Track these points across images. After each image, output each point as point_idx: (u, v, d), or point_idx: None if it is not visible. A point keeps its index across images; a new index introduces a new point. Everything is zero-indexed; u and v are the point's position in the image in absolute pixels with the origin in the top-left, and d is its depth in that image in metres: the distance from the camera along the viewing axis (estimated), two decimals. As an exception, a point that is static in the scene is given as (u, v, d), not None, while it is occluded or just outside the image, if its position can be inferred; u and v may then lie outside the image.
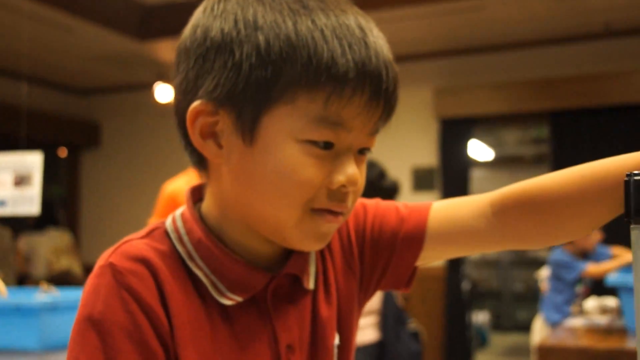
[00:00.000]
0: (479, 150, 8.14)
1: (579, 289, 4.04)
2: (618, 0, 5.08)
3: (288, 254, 0.78)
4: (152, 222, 3.73)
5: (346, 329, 0.82)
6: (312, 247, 0.75)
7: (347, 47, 0.67)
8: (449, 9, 5.19)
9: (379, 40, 0.71)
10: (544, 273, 5.58)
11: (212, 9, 0.72)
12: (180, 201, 3.48)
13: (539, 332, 4.06)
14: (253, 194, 0.71)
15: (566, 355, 2.67)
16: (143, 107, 7.14)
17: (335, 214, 0.72)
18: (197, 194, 0.80)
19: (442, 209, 0.83)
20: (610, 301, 3.85)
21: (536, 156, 8.73)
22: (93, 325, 0.67)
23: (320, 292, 0.80)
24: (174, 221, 0.77)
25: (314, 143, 0.68)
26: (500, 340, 8.46)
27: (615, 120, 5.65)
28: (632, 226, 0.48)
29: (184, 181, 3.51)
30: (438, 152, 6.17)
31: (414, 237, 0.82)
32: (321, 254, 0.82)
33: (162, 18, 5.56)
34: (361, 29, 0.69)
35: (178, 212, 0.78)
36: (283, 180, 0.69)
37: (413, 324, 2.66)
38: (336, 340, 0.81)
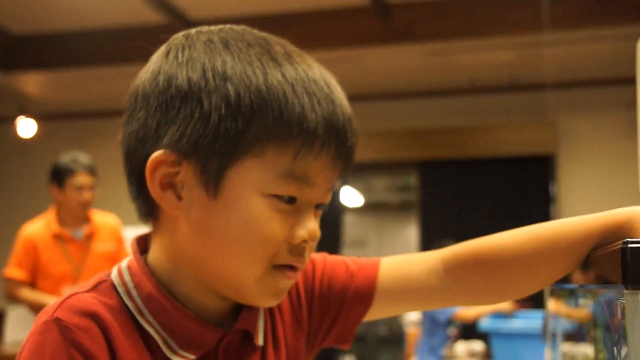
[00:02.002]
0: (350, 196, 8.33)
1: (451, 330, 4.19)
2: (483, 60, 5.44)
3: (237, 310, 0.75)
4: (10, 271, 3.45)
5: None
6: (270, 303, 0.73)
7: (316, 102, 0.67)
8: (326, 58, 5.32)
9: (342, 97, 0.72)
10: (410, 317, 5.75)
11: (176, 56, 0.70)
12: (39, 246, 3.37)
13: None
14: (214, 248, 0.68)
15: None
16: (3, 142, 6.73)
17: (294, 269, 0.71)
18: (142, 244, 0.75)
19: (392, 266, 0.83)
20: (478, 345, 4.04)
21: (402, 203, 9.05)
22: None
23: (269, 347, 0.78)
24: (120, 274, 0.72)
25: (279, 198, 0.67)
26: (365, 384, 8.57)
27: (478, 171, 5.99)
28: (626, 292, 0.50)
29: (42, 224, 3.41)
30: (312, 197, 6.26)
31: (363, 294, 0.82)
32: (270, 310, 0.80)
33: (28, 49, 5.32)
34: (327, 84, 0.70)
35: (124, 263, 0.74)
36: (248, 235, 0.67)
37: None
38: None
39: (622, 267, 0.50)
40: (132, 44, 5.02)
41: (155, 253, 0.73)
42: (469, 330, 4.20)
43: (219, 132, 0.66)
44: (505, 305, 3.83)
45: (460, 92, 5.98)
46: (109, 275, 0.73)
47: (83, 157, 3.41)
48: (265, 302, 0.72)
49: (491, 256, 0.77)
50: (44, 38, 5.24)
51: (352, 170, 0.73)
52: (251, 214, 0.67)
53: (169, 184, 0.69)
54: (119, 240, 3.61)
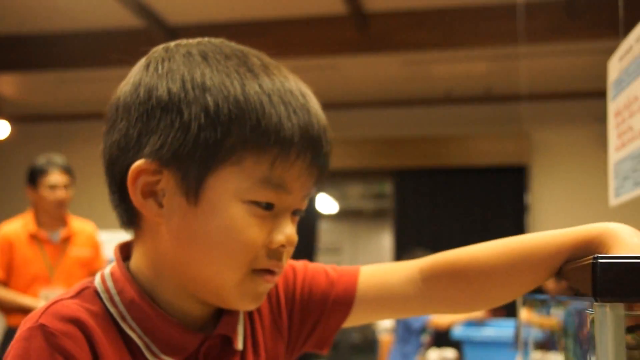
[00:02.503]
0: (325, 203, 8.36)
1: (424, 338, 4.23)
2: (459, 71, 5.51)
3: (218, 315, 0.77)
4: None
5: None
6: (249, 306, 0.75)
7: (292, 112, 0.69)
8: (304, 65, 5.37)
9: (317, 107, 0.74)
10: (383, 324, 5.79)
11: (156, 68, 0.71)
12: (15, 244, 3.37)
13: (387, 383, 4.19)
14: (195, 254, 0.70)
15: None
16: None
17: (273, 273, 0.73)
18: (125, 251, 0.77)
19: (371, 275, 0.85)
20: (450, 353, 4.08)
21: (377, 210, 9.12)
22: None
23: (249, 352, 0.79)
24: (103, 280, 0.74)
25: (257, 204, 0.69)
26: (337, 390, 8.58)
27: (452, 180, 6.05)
28: (595, 304, 0.53)
29: (19, 224, 3.42)
30: (287, 204, 6.28)
31: (343, 301, 0.84)
32: (250, 315, 0.82)
33: (3, 51, 5.28)
34: (303, 95, 0.72)
35: (107, 270, 0.76)
36: (227, 240, 0.69)
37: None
38: None
39: (592, 281, 0.53)
40: (110, 48, 5.00)
41: (137, 260, 0.75)
42: (442, 338, 4.24)
43: (199, 141, 0.67)
44: (478, 314, 3.88)
45: (435, 102, 6.04)
46: (92, 281, 0.74)
47: (57, 158, 3.43)
48: (245, 305, 0.74)
49: (466, 267, 0.79)
50: (19, 39, 5.21)
51: (327, 177, 0.75)
52: (230, 220, 0.69)
53: (150, 192, 0.70)
54: (95, 247, 3.63)
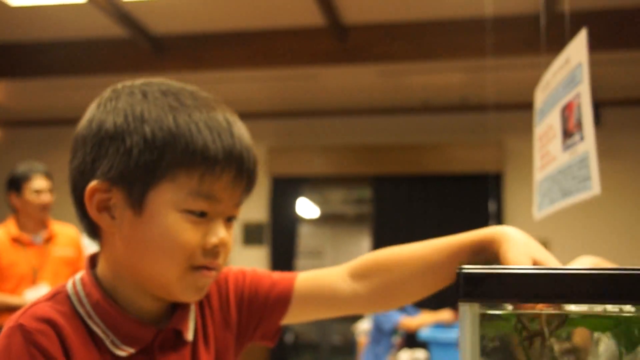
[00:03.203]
0: (306, 207, 8.50)
1: (395, 339, 4.38)
2: (434, 81, 5.68)
3: (172, 311, 0.91)
4: None
5: None
6: (192, 298, 0.88)
7: (216, 136, 0.83)
8: (286, 75, 5.52)
9: (242, 130, 0.87)
10: (362, 326, 5.92)
11: (105, 106, 0.86)
12: (0, 251, 3.49)
13: (359, 382, 4.33)
14: (142, 255, 0.84)
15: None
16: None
17: (209, 269, 0.86)
18: (93, 260, 0.92)
19: (307, 277, 1.01)
20: (420, 353, 4.20)
21: (357, 215, 9.25)
22: None
23: (200, 342, 0.94)
24: (74, 285, 0.88)
25: (191, 212, 0.83)
26: (318, 392, 8.70)
27: (429, 187, 6.21)
28: (459, 303, 0.69)
29: (1, 231, 3.51)
30: (268, 209, 6.41)
31: (282, 299, 0.99)
32: (201, 311, 0.96)
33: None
34: (227, 121, 0.85)
35: (78, 276, 0.90)
36: (167, 242, 0.82)
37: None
38: None
39: (456, 286, 0.69)
40: (96, 56, 5.12)
41: (101, 266, 0.89)
42: (413, 339, 4.38)
43: (139, 163, 0.81)
44: (446, 316, 4.04)
45: (412, 111, 6.19)
46: (64, 286, 0.88)
47: (38, 164, 3.54)
48: (188, 297, 0.87)
49: (388, 265, 0.96)
50: (8, 47, 5.31)
51: (254, 187, 0.89)
52: (168, 226, 0.82)
53: (104, 207, 0.84)
54: (77, 248, 3.72)
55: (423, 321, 4.04)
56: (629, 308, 0.77)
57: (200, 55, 5.13)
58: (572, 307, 0.82)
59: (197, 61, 5.15)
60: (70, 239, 3.71)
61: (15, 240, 3.49)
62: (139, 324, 0.86)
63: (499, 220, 6.01)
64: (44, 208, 3.51)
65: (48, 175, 3.54)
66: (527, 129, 6.19)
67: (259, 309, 1.00)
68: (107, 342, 0.85)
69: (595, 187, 1.13)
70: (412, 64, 5.22)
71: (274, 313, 1.00)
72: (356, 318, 8.44)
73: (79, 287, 0.87)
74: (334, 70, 5.41)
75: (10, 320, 0.83)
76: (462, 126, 6.19)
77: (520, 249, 0.84)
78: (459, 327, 0.70)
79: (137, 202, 0.82)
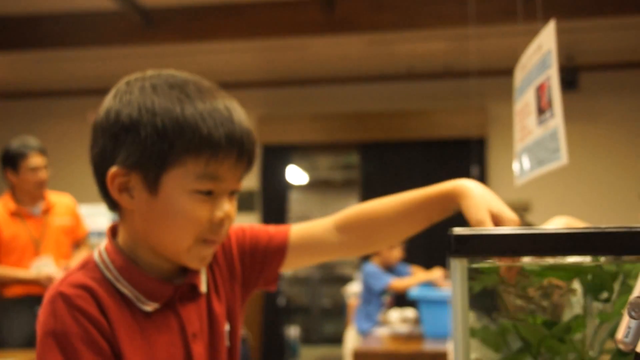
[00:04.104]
0: (295, 174, 8.64)
1: (385, 299, 4.58)
2: (419, 49, 5.81)
3: (185, 269, 1.05)
4: None
5: (233, 318, 1.11)
6: (197, 266, 1.02)
7: (219, 124, 0.95)
8: (274, 45, 5.62)
9: (241, 116, 0.99)
10: (351, 289, 6.13)
11: (121, 99, 0.98)
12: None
13: (352, 340, 4.54)
14: (158, 229, 0.98)
15: (378, 357, 3.14)
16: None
17: (214, 241, 1.00)
18: (114, 231, 1.07)
19: (299, 229, 1.17)
20: (410, 312, 4.40)
21: (345, 180, 9.41)
22: (55, 338, 0.94)
23: (212, 293, 1.08)
24: (100, 254, 1.02)
25: (199, 192, 0.96)
26: (309, 353, 8.91)
27: (414, 152, 6.37)
28: (451, 260, 0.86)
29: (0, 206, 3.60)
30: (259, 176, 6.56)
31: (279, 250, 1.15)
32: (210, 266, 1.10)
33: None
34: (228, 109, 0.97)
35: (102, 246, 1.04)
36: (179, 219, 0.96)
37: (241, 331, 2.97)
38: (227, 327, 1.09)
39: (448, 245, 0.86)
40: (86, 29, 5.18)
41: (122, 236, 1.03)
42: (402, 300, 4.58)
43: (153, 151, 0.94)
44: (436, 275, 4.23)
45: (398, 78, 6.31)
46: (92, 256, 1.02)
47: (32, 140, 3.60)
48: (194, 265, 1.01)
49: (367, 216, 1.14)
50: (-4, 20, 5.36)
51: (254, 164, 1.03)
52: (180, 205, 0.95)
53: (124, 189, 0.97)
54: (75, 216, 3.83)
55: (410, 282, 4.24)
56: (589, 260, 0.95)
57: (190, 27, 5.21)
58: (542, 261, 1.00)
59: (187, 33, 5.24)
60: (68, 208, 3.81)
61: (14, 214, 3.58)
62: (160, 282, 1.01)
63: (483, 183, 6.17)
64: (41, 185, 3.60)
65: (43, 152, 3.61)
66: (508, 95, 6.34)
67: (260, 260, 1.15)
68: (135, 300, 1.00)
69: (563, 158, 1.30)
70: (397, 33, 5.34)
71: (273, 262, 1.16)
72: (345, 281, 8.66)
73: (105, 256, 1.02)
74: (321, 40, 5.52)
75: (50, 290, 0.98)
76: (446, 93, 6.32)
77: (478, 203, 1.02)
78: (451, 280, 0.88)
79: (152, 185, 0.95)
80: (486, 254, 0.88)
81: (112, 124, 0.96)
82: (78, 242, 3.90)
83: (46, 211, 3.70)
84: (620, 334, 0.75)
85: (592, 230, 0.86)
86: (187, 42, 5.31)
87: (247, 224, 1.19)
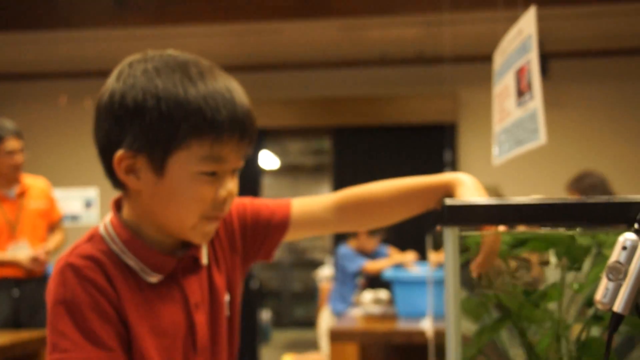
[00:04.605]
0: (267, 159, 8.67)
1: (359, 280, 4.66)
2: (392, 35, 5.86)
3: (186, 243, 1.09)
4: None
5: (233, 289, 1.16)
6: (201, 242, 1.08)
7: (221, 107, 0.97)
8: (247, 29, 5.63)
9: (242, 96, 1.02)
10: (322, 273, 6.21)
11: (125, 81, 0.99)
12: None
13: (326, 321, 4.62)
14: (164, 208, 1.02)
15: (353, 336, 3.21)
16: None
17: (217, 218, 1.05)
18: (118, 204, 1.11)
19: (300, 204, 1.22)
20: (383, 293, 4.48)
21: (317, 165, 9.48)
22: (66, 306, 0.98)
23: (212, 265, 1.13)
24: (105, 227, 1.06)
25: (203, 173, 0.99)
26: (280, 336, 9.00)
27: (386, 137, 6.42)
28: (444, 229, 0.92)
29: None
30: (232, 160, 6.56)
31: (281, 224, 1.20)
32: (211, 240, 1.14)
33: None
34: (229, 90, 1.00)
35: (107, 219, 1.08)
36: (185, 199, 1.00)
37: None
38: (227, 298, 1.14)
39: (441, 215, 0.92)
40: (55, 10, 5.13)
41: (127, 211, 1.07)
42: (375, 281, 4.66)
43: (158, 135, 0.97)
44: (409, 258, 4.32)
45: (371, 64, 6.35)
46: (97, 229, 1.06)
47: (8, 123, 3.61)
48: (197, 240, 1.06)
49: (366, 198, 1.20)
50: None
51: (254, 143, 1.06)
52: (185, 186, 0.99)
53: (130, 170, 1.00)
54: (49, 199, 3.85)
55: (383, 264, 4.32)
56: (563, 230, 1.02)
57: (162, 10, 5.19)
58: (520, 233, 1.06)
59: (160, 16, 5.21)
60: (42, 192, 3.83)
61: None
62: (163, 255, 1.06)
63: (453, 168, 6.28)
64: (17, 168, 3.61)
65: (19, 135, 3.61)
66: (479, 81, 6.45)
67: (261, 234, 1.20)
68: (140, 272, 1.04)
69: (542, 137, 1.37)
70: (370, 19, 5.39)
71: (274, 237, 1.21)
72: (316, 265, 8.74)
73: (110, 229, 1.06)
74: (295, 25, 5.54)
75: (59, 261, 1.02)
76: (418, 78, 6.38)
77: (471, 191, 1.08)
78: (444, 248, 0.94)
79: (158, 167, 0.99)
80: (476, 223, 0.94)
81: (116, 108, 0.98)
82: (52, 226, 3.91)
83: (21, 194, 3.71)
84: (599, 295, 0.81)
85: (575, 202, 0.93)
86: (160, 25, 5.28)
87: (247, 198, 1.23)
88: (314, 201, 1.22)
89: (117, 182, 1.05)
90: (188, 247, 1.09)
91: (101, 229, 1.07)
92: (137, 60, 1.02)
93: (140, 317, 1.02)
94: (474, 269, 1.04)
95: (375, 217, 1.22)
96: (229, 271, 1.17)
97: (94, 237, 1.06)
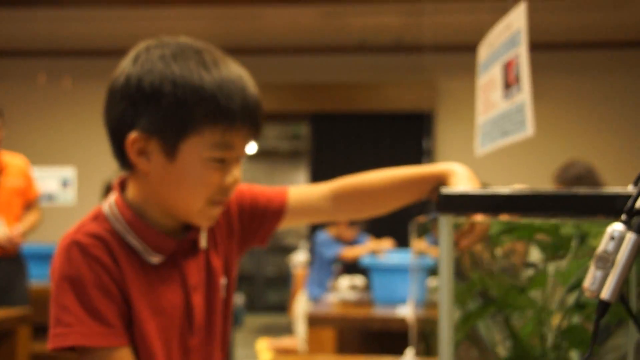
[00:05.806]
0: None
1: (335, 267, 4.70)
2: (372, 23, 5.88)
3: (187, 226, 1.12)
4: None
5: (230, 273, 1.19)
6: (206, 225, 1.11)
7: (235, 95, 1.01)
8: (228, 14, 5.61)
9: (252, 86, 1.05)
10: (297, 259, 6.23)
11: (142, 65, 1.02)
12: None
13: (303, 305, 4.65)
14: (172, 192, 1.05)
15: (331, 321, 3.25)
16: None
17: (222, 202, 1.09)
18: (122, 185, 1.12)
19: (297, 193, 1.25)
20: (359, 280, 4.52)
21: (293, 151, 9.49)
22: (70, 282, 1.01)
23: (211, 249, 1.16)
24: (110, 207, 1.09)
25: (213, 159, 1.02)
26: (253, 321, 9.01)
27: (364, 124, 6.46)
28: (439, 216, 0.96)
29: None
30: (209, 145, 6.55)
31: (278, 212, 1.23)
32: None
33: None
34: (240, 79, 1.03)
35: (111, 199, 1.10)
36: (193, 184, 1.03)
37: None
38: (223, 281, 1.17)
39: (437, 203, 0.95)
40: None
41: (131, 192, 1.09)
42: (351, 268, 4.71)
43: (173, 119, 0.99)
44: (386, 245, 4.36)
45: (350, 51, 6.36)
46: (101, 209, 1.09)
47: None
48: (202, 223, 1.10)
49: (361, 187, 1.23)
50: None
51: (261, 132, 1.09)
52: (195, 171, 1.02)
53: (142, 152, 1.02)
54: (27, 177, 3.81)
55: (359, 251, 4.36)
56: (551, 220, 1.06)
57: (142, -9, 5.16)
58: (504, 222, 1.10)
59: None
60: (20, 170, 3.79)
61: None
62: (164, 237, 1.08)
63: (430, 156, 6.34)
64: None
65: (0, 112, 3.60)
66: (457, 70, 6.53)
67: (258, 220, 1.23)
68: (142, 252, 1.07)
69: (529, 129, 1.41)
70: (351, 6, 5.40)
71: (271, 223, 1.24)
72: (290, 250, 8.77)
73: (114, 209, 1.08)
74: (274, 10, 5.54)
75: (65, 238, 1.05)
76: (397, 66, 6.42)
77: (465, 181, 1.12)
78: (439, 234, 0.97)
79: (170, 151, 1.01)
80: (470, 211, 0.98)
81: (133, 91, 1.00)
82: (29, 204, 3.87)
83: None
84: (587, 282, 0.85)
85: (568, 193, 0.96)
86: (138, 7, 5.25)
87: (245, 184, 1.25)
88: (310, 190, 1.25)
89: (125, 163, 1.06)
90: (188, 231, 1.12)
91: (105, 209, 1.09)
92: (154, 46, 1.04)
93: (142, 296, 1.05)
94: (461, 244, 1.08)
95: (370, 206, 1.24)
96: (227, 255, 1.19)
97: (99, 217, 1.08)
